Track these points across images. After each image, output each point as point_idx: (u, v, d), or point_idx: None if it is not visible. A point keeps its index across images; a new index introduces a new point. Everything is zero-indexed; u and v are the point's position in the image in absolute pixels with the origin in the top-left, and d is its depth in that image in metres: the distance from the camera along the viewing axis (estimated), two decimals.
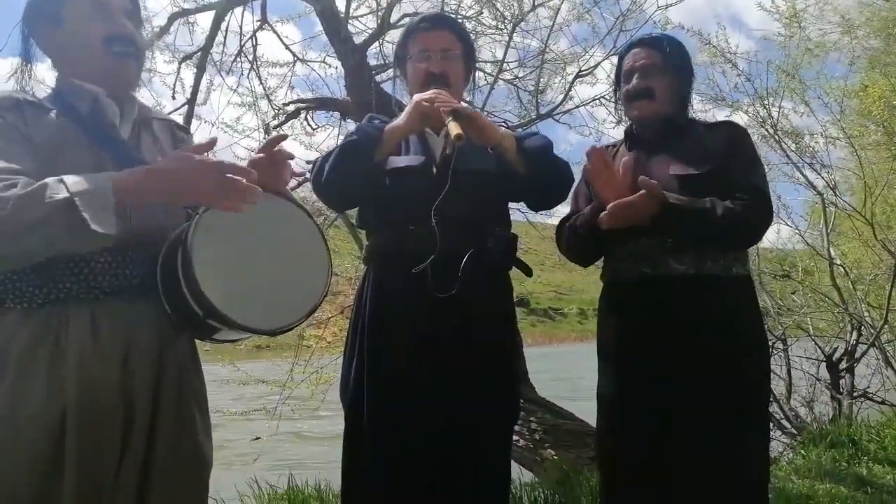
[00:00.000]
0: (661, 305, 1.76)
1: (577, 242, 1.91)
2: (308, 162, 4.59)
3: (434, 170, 1.75)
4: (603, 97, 3.96)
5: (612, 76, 2.07)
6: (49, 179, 1.12)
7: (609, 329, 1.87)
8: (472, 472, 1.67)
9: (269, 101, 4.87)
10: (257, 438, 6.68)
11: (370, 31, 4.31)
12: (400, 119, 1.76)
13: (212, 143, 1.26)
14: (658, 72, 1.89)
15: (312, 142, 4.99)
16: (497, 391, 1.73)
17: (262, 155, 1.38)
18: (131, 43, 1.34)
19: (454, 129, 1.62)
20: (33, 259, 1.17)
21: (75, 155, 1.25)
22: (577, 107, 4.04)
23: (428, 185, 1.70)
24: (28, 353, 1.20)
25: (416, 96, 1.75)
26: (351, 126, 4.61)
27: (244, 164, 1.33)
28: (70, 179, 1.12)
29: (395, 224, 1.75)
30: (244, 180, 1.18)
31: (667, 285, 1.77)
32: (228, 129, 5.04)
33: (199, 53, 4.75)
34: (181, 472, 1.29)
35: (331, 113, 4.50)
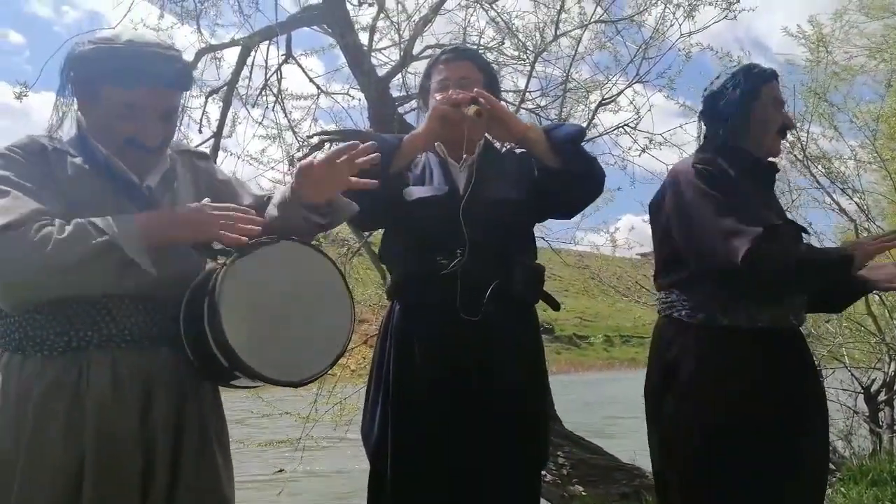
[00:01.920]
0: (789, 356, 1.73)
1: (811, 282, 1.72)
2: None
3: (458, 200, 1.71)
4: (626, 125, 3.94)
5: (731, 82, 1.80)
6: (80, 220, 1.17)
7: (755, 378, 1.66)
8: None
9: (294, 132, 4.94)
10: (280, 471, 6.63)
11: (393, 64, 4.36)
12: (419, 127, 1.74)
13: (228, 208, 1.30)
14: None
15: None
16: (524, 431, 1.67)
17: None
18: (153, 150, 1.34)
19: (472, 109, 1.62)
20: (62, 294, 1.19)
21: (98, 204, 1.26)
22: (601, 135, 4.02)
23: (451, 216, 1.67)
24: (47, 402, 1.20)
25: (434, 102, 1.74)
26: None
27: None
28: (100, 222, 1.17)
29: (419, 256, 1.71)
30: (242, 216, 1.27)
31: (796, 336, 1.77)
32: (254, 161, 5.13)
33: (225, 88, 4.85)
34: None
35: None
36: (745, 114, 1.77)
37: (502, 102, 1.90)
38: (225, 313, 1.20)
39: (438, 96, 1.80)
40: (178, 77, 1.30)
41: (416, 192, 1.75)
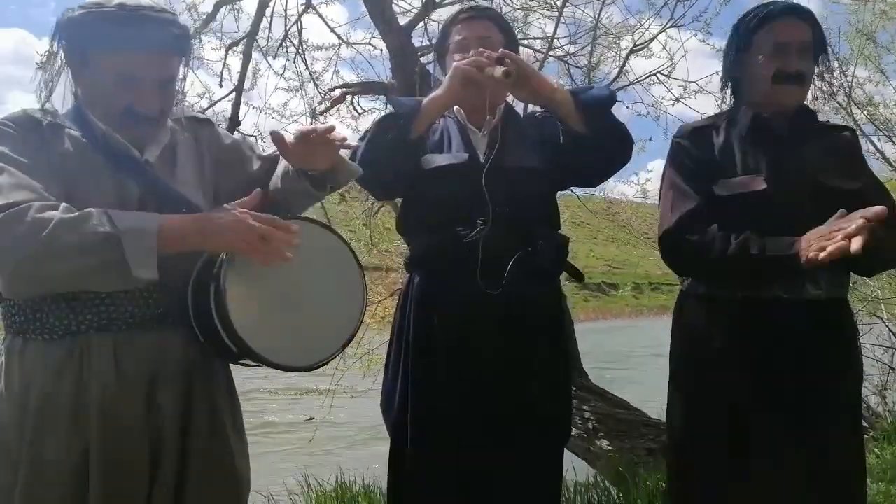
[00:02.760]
0: (793, 329, 1.57)
1: (746, 272, 1.57)
2: (352, 149, 4.61)
3: (478, 167, 1.64)
4: (659, 72, 3.77)
5: (730, 38, 1.72)
6: (94, 210, 1.09)
7: (726, 346, 1.62)
8: (520, 494, 1.59)
9: (316, 84, 4.85)
10: (311, 419, 6.75)
11: (415, 12, 4.21)
12: (440, 88, 1.65)
13: (256, 198, 1.23)
14: (809, 53, 1.64)
15: (359, 125, 4.97)
16: (546, 405, 1.64)
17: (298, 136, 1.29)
18: (153, 120, 1.26)
19: (499, 70, 1.53)
20: (55, 288, 1.14)
21: (97, 181, 1.21)
22: (633, 83, 3.85)
23: (472, 184, 1.60)
24: (50, 390, 1.17)
25: (455, 63, 1.64)
26: None
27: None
28: (115, 213, 1.10)
29: (439, 227, 1.64)
30: (278, 234, 1.18)
31: (800, 309, 1.58)
32: (276, 114, 5.07)
33: (245, 40, 4.75)
34: (216, 498, 1.27)
35: (377, 97, 4.42)
36: (741, 69, 1.69)
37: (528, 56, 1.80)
38: (231, 298, 1.17)
39: (458, 56, 1.70)
40: (173, 42, 1.22)
41: (434, 159, 1.67)
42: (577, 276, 1.76)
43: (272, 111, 5.06)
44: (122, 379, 1.19)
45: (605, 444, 3.61)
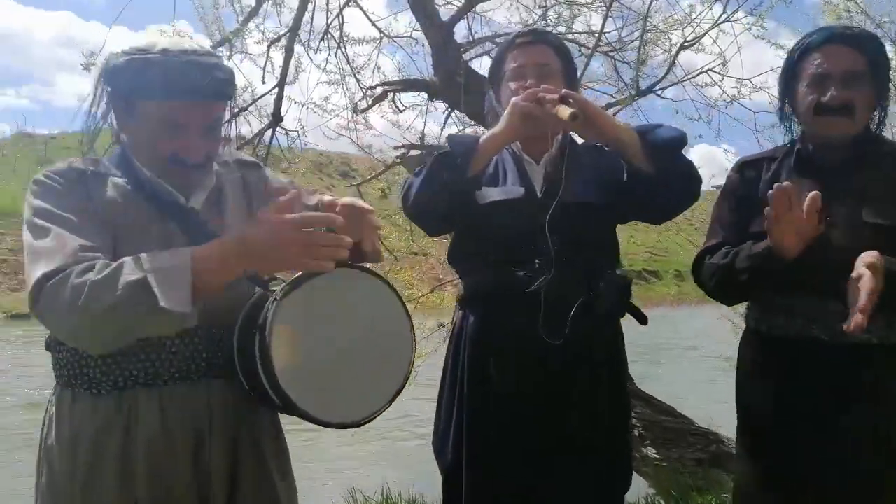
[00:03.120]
0: (840, 375, 1.50)
1: (733, 286, 1.59)
2: (395, 147, 4.57)
3: (536, 203, 1.58)
4: (711, 69, 3.62)
5: (783, 67, 1.67)
6: (126, 259, 1.07)
7: (764, 394, 1.60)
8: None
9: (357, 79, 4.82)
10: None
11: (458, 6, 4.12)
12: (498, 126, 1.58)
13: (293, 197, 1.13)
14: (860, 81, 1.54)
15: (400, 119, 4.93)
16: (608, 455, 1.58)
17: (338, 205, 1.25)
18: (197, 166, 1.23)
19: (565, 111, 1.45)
20: (117, 346, 1.12)
21: (143, 229, 1.19)
22: (681, 81, 3.71)
23: (529, 221, 1.54)
24: (98, 447, 1.17)
25: (514, 98, 1.56)
26: (439, 105, 4.51)
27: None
28: (147, 257, 1.06)
29: (494, 265, 1.58)
30: (327, 236, 1.09)
31: (845, 352, 1.49)
32: (318, 108, 5.06)
33: (287, 35, 4.73)
34: None
35: (418, 94, 4.37)
36: (791, 100, 1.65)
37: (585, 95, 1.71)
38: (276, 355, 1.13)
39: (513, 85, 1.63)
40: (218, 87, 1.19)
41: (489, 193, 1.60)
42: (640, 318, 1.67)
43: (314, 105, 5.06)
44: (168, 434, 1.18)
45: (651, 451, 3.53)
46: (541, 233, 1.52)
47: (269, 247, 1.07)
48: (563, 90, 1.52)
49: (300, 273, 1.17)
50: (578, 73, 3.15)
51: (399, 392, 1.27)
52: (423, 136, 4.55)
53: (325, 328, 1.20)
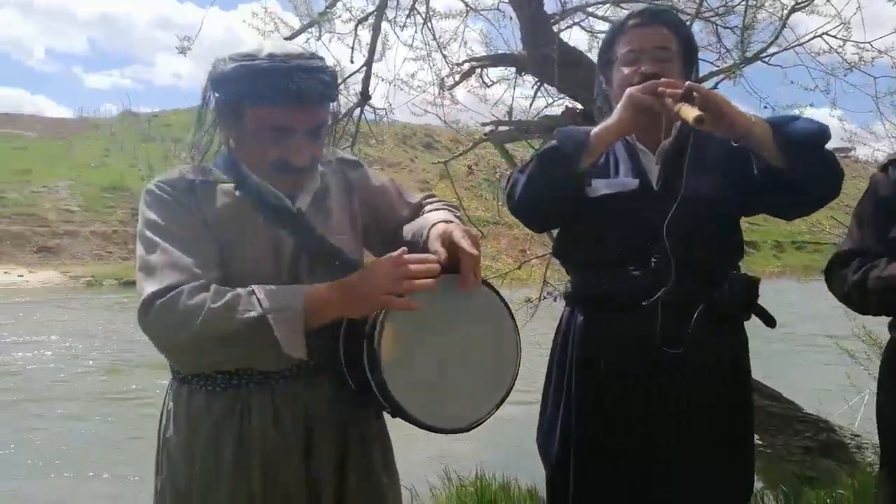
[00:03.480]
0: None
1: (866, 304, 1.50)
2: (483, 124, 4.51)
3: (651, 196, 1.48)
4: (826, 33, 3.31)
5: None
6: (241, 291, 1.12)
7: None
8: None
9: (443, 54, 4.77)
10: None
11: None
12: (611, 118, 1.47)
13: (400, 257, 1.16)
14: None
15: (486, 94, 4.85)
16: (729, 466, 1.50)
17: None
18: (305, 169, 1.26)
19: (690, 112, 1.32)
20: (215, 368, 1.19)
21: (252, 235, 1.22)
22: (793, 46, 3.42)
23: (644, 216, 1.44)
24: (214, 441, 1.22)
25: (630, 89, 1.45)
26: (528, 78, 4.40)
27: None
28: (262, 293, 1.11)
29: (606, 263, 1.50)
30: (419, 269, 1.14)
31: None
32: (405, 85, 5.05)
33: (374, 13, 4.73)
34: None
35: (506, 67, 4.27)
36: None
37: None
38: (386, 361, 1.14)
39: (626, 70, 1.53)
40: (324, 90, 1.20)
41: (600, 186, 1.50)
42: (768, 321, 1.54)
43: (401, 82, 5.06)
44: (281, 432, 1.22)
45: (755, 436, 3.39)
46: (657, 229, 1.43)
47: (368, 301, 1.16)
48: (687, 84, 1.39)
49: None
50: None
51: (505, 397, 1.26)
52: (510, 110, 4.47)
53: (433, 332, 1.20)
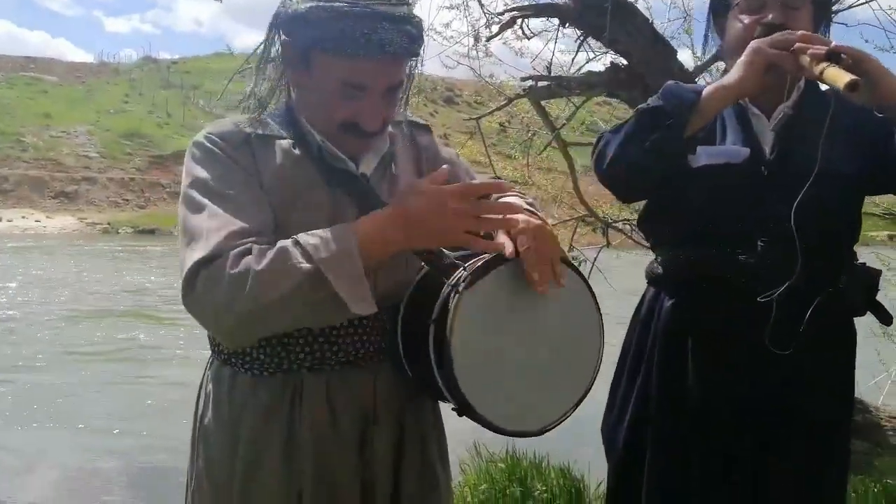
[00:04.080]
0: None
1: None
2: (522, 79, 4.24)
3: (764, 169, 1.27)
4: None
5: None
6: (285, 244, 0.95)
7: None
8: None
9: (481, 3, 4.48)
10: None
11: None
12: (729, 76, 1.25)
13: (443, 175, 1.01)
14: None
15: (522, 47, 4.58)
16: (826, 483, 1.33)
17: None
18: (375, 133, 1.08)
19: (839, 76, 1.08)
20: (274, 333, 1.03)
21: (311, 198, 1.07)
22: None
23: (754, 191, 1.25)
24: (261, 428, 1.09)
25: (756, 41, 1.22)
26: (569, 32, 4.12)
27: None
28: (308, 241, 0.94)
29: (704, 242, 1.30)
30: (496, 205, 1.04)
31: None
32: (438, 35, 4.79)
33: None
34: None
35: (547, 19, 3.98)
36: None
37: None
38: (458, 357, 0.97)
39: (747, 19, 1.29)
40: (408, 45, 1.01)
41: (703, 154, 1.29)
42: (885, 318, 1.34)
43: (434, 32, 4.80)
44: (335, 422, 1.10)
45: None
46: (770, 208, 1.23)
47: (434, 217, 0.97)
48: (834, 43, 1.15)
49: (482, 259, 1.02)
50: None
51: (580, 401, 1.10)
52: (549, 65, 4.21)
53: (510, 324, 1.04)
